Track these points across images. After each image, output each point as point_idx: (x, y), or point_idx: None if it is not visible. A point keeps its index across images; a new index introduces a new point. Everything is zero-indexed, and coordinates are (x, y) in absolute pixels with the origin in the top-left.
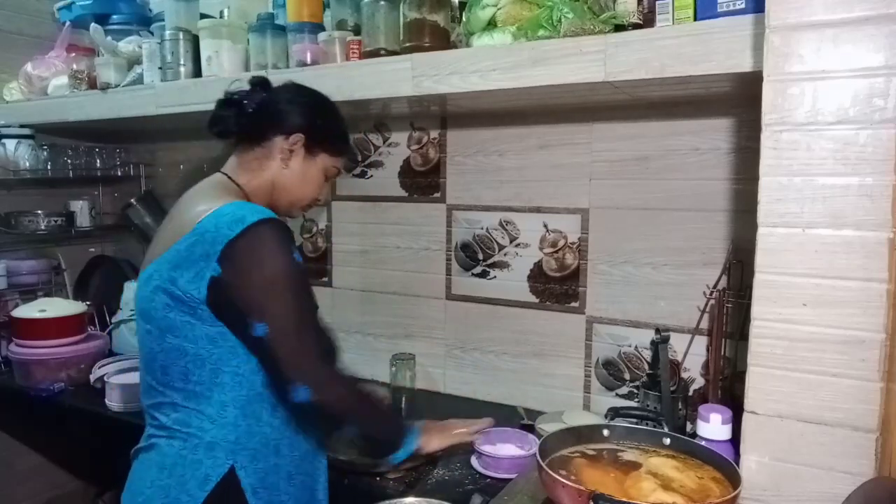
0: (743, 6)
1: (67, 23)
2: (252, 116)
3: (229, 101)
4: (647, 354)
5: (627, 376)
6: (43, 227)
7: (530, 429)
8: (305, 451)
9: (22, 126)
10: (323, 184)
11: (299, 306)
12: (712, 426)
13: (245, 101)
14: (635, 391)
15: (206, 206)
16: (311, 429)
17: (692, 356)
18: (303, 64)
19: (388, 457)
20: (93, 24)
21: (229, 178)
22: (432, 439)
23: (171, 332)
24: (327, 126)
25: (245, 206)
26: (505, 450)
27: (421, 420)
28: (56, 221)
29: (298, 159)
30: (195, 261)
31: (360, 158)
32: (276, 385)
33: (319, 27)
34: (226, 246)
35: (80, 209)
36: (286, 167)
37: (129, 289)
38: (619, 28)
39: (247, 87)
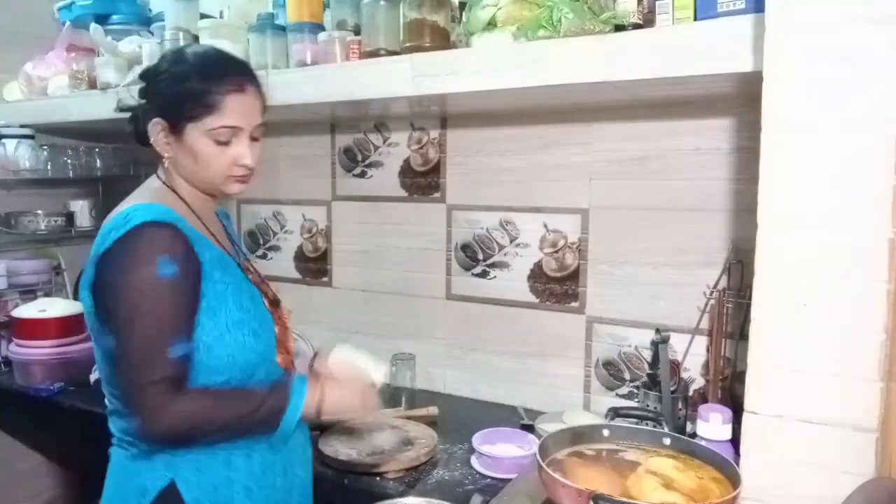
0: (743, 6)
1: (67, 23)
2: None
3: (122, 110)
4: (647, 354)
5: (627, 376)
6: (43, 227)
7: (530, 429)
8: (270, 462)
9: (22, 126)
10: (223, 150)
11: (147, 325)
12: (712, 426)
13: (129, 106)
14: (635, 391)
15: (119, 208)
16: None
17: (692, 356)
18: (303, 64)
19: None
20: (93, 24)
21: (157, 177)
22: (333, 389)
23: (103, 338)
24: (173, 95)
25: (140, 209)
26: (505, 450)
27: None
28: (56, 221)
29: (175, 144)
30: (89, 266)
31: (359, 158)
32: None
33: (319, 27)
34: (104, 251)
35: (80, 209)
36: (173, 155)
37: None
38: (619, 28)
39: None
